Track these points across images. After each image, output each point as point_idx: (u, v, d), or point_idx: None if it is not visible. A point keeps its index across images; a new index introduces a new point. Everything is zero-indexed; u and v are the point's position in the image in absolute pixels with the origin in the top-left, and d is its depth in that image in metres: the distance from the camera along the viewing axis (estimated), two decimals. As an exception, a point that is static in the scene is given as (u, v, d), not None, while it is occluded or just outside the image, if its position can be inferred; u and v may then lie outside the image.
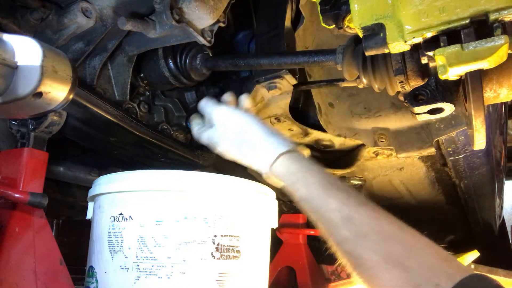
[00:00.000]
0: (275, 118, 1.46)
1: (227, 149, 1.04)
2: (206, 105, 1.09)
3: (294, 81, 1.28)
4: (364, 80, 1.04)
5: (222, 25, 1.18)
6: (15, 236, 0.91)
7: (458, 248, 1.48)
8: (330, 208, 0.82)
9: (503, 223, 2.49)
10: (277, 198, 1.12)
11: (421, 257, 0.72)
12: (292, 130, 1.52)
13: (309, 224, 1.81)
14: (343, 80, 1.21)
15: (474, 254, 1.46)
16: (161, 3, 1.05)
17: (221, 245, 0.92)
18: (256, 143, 0.99)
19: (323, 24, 1.10)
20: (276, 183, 0.98)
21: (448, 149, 1.51)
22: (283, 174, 0.93)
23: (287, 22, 1.34)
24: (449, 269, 0.69)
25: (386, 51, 0.86)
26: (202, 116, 1.12)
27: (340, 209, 0.81)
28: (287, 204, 1.86)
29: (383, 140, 1.57)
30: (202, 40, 1.15)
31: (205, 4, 1.10)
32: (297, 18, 1.39)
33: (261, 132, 1.00)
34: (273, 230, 1.10)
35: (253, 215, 1.00)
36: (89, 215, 1.07)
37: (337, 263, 0.82)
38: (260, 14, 1.42)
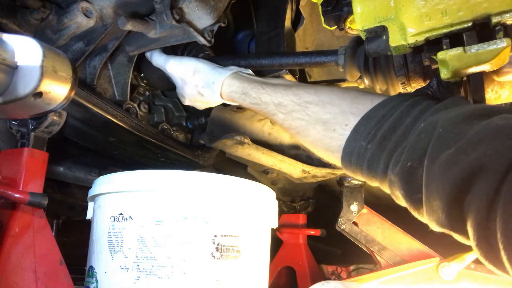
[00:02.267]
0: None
1: (190, 97, 1.24)
2: (158, 61, 1.26)
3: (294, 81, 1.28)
4: (366, 81, 1.04)
5: (222, 25, 1.18)
6: (15, 236, 0.90)
7: (458, 248, 1.48)
8: (265, 101, 1.03)
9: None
10: (277, 198, 1.12)
11: (334, 108, 0.90)
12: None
13: (309, 224, 1.82)
14: (344, 80, 1.21)
15: (474, 254, 1.46)
16: (161, 3, 1.05)
17: (221, 245, 0.92)
18: (206, 79, 1.17)
19: (324, 25, 1.09)
20: (231, 103, 1.19)
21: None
22: (229, 93, 1.13)
23: (287, 22, 1.34)
24: (355, 110, 0.86)
25: (389, 53, 0.86)
26: None
27: (272, 100, 1.02)
28: (287, 204, 1.86)
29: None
30: (202, 40, 1.15)
31: (205, 4, 1.10)
32: (297, 19, 1.39)
33: (208, 67, 1.18)
34: (273, 230, 1.10)
35: (253, 215, 1.00)
36: (89, 215, 1.07)
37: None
38: (260, 14, 1.42)
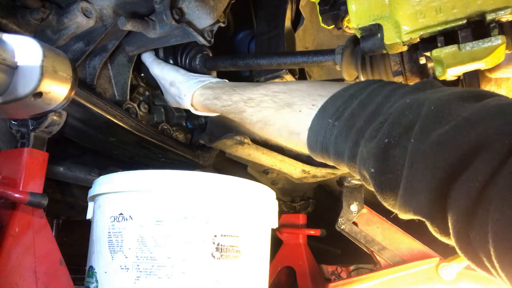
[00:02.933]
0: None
1: (172, 102, 1.28)
2: (145, 61, 1.30)
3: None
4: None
5: (222, 25, 1.18)
6: (15, 236, 0.90)
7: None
8: (234, 100, 1.02)
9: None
10: (277, 198, 1.12)
11: (302, 93, 0.88)
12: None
13: (309, 224, 1.82)
14: (342, 80, 1.21)
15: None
16: (161, 3, 1.06)
17: (221, 245, 0.92)
18: (181, 89, 1.19)
19: (322, 25, 1.10)
20: (206, 114, 1.19)
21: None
22: (202, 101, 1.13)
23: (287, 22, 1.34)
24: (323, 92, 0.83)
25: (384, 51, 0.86)
26: None
27: (241, 97, 1.01)
28: (287, 204, 1.86)
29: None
30: (202, 40, 1.15)
31: (205, 4, 1.10)
32: (297, 19, 1.39)
33: (182, 79, 1.21)
34: (273, 230, 1.10)
35: (253, 215, 1.00)
36: (89, 215, 1.07)
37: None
38: (260, 14, 1.42)
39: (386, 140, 0.64)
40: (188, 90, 1.17)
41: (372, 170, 0.66)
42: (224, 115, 1.10)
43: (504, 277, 0.49)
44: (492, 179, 0.49)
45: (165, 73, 1.25)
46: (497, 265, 0.49)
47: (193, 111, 1.18)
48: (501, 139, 0.50)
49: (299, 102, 0.86)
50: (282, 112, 0.89)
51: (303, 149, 0.85)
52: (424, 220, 0.62)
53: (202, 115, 1.22)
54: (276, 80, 1.27)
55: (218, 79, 1.19)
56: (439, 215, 0.58)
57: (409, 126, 0.62)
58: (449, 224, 0.55)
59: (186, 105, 1.18)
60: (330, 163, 0.80)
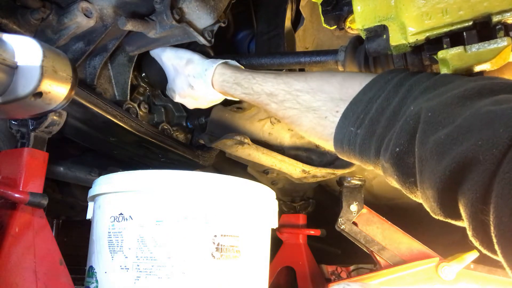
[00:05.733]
0: (276, 118, 1.47)
1: (181, 91, 1.25)
2: (155, 50, 1.27)
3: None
4: (366, 79, 1.04)
5: (222, 25, 1.18)
6: (15, 236, 0.90)
7: (458, 248, 1.49)
8: (256, 91, 1.04)
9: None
10: (277, 198, 1.12)
11: (324, 96, 0.91)
12: (293, 130, 1.52)
13: (309, 224, 1.82)
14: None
15: (474, 254, 1.46)
16: (162, 3, 1.05)
17: (221, 245, 0.92)
18: (199, 69, 1.17)
19: (324, 25, 1.09)
20: (221, 95, 1.18)
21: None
22: (221, 82, 1.13)
23: (287, 22, 1.34)
24: (344, 95, 0.87)
25: (389, 52, 0.86)
26: None
27: (263, 89, 1.02)
28: (287, 204, 1.86)
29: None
30: (202, 40, 1.15)
31: (206, 4, 1.10)
32: (297, 19, 1.39)
33: (202, 58, 1.20)
34: (273, 230, 1.10)
35: (253, 215, 1.00)
36: (89, 215, 1.07)
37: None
38: (260, 14, 1.42)
39: (397, 149, 0.69)
40: (209, 64, 1.15)
41: (395, 177, 0.72)
42: (243, 100, 1.13)
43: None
44: (489, 188, 0.54)
45: (180, 53, 1.24)
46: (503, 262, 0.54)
47: (210, 88, 1.17)
48: (490, 150, 0.54)
49: (324, 108, 0.90)
50: (307, 116, 0.93)
51: (332, 150, 0.90)
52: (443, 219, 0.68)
53: (227, 99, 1.22)
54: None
55: (234, 61, 1.19)
56: (454, 215, 0.63)
57: (412, 133, 0.68)
58: (465, 225, 0.60)
59: (206, 81, 1.16)
60: (358, 163, 0.86)
